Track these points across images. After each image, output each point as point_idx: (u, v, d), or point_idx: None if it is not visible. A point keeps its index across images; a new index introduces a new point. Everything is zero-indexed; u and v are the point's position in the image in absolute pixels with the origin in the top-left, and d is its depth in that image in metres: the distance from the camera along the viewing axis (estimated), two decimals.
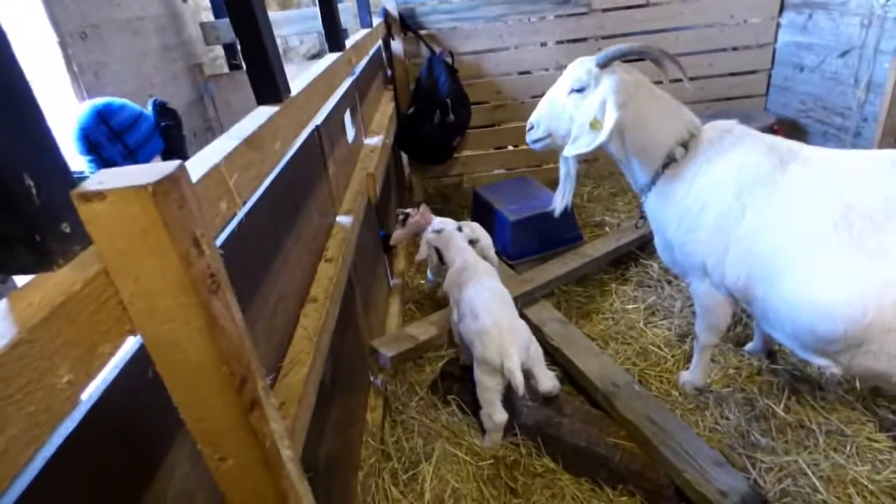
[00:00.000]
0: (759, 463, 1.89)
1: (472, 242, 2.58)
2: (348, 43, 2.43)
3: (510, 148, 4.40)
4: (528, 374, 1.96)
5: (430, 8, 3.88)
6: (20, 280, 0.55)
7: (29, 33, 2.76)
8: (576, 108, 2.01)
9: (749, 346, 2.37)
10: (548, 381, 2.02)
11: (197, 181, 0.76)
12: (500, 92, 4.14)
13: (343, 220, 1.92)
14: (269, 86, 1.26)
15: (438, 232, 2.56)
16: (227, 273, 0.66)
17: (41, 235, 0.51)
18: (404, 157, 4.40)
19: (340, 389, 1.74)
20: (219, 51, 4.52)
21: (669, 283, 2.87)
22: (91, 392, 0.63)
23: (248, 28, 1.16)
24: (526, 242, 3.15)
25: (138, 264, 0.55)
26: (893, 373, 1.52)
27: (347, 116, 2.33)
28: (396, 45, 3.92)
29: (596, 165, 4.23)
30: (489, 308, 2.04)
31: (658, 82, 2.01)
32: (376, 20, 3.64)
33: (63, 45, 2.85)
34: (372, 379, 2.27)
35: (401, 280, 3.08)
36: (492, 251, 2.71)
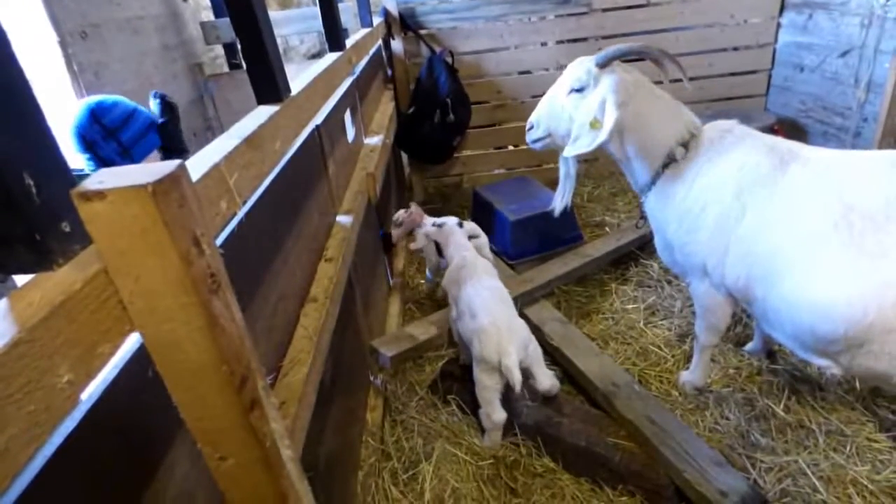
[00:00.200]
0: (758, 463, 1.89)
1: (471, 238, 2.58)
2: (348, 42, 2.43)
3: (510, 148, 4.40)
4: (526, 373, 1.96)
5: (431, 7, 3.87)
6: (20, 279, 0.55)
7: (29, 32, 2.76)
8: (575, 108, 2.01)
9: (749, 346, 2.37)
10: (546, 379, 2.02)
11: (197, 180, 0.76)
12: (500, 92, 4.14)
13: (343, 219, 1.92)
14: (269, 85, 1.26)
15: (439, 226, 2.56)
16: (227, 272, 0.66)
17: (41, 235, 0.51)
18: (404, 156, 4.40)
19: (340, 389, 1.74)
20: (219, 50, 4.52)
21: (669, 283, 2.87)
22: (91, 391, 0.63)
23: (249, 27, 1.16)
24: (526, 242, 3.15)
25: (138, 264, 0.55)
26: (894, 373, 1.52)
27: (347, 116, 2.33)
28: (396, 45, 3.92)
29: (596, 165, 4.23)
30: (488, 307, 2.04)
31: (658, 82, 2.01)
32: (376, 20, 3.64)
33: (63, 44, 2.85)
34: (372, 379, 2.27)
35: (401, 280, 3.08)
36: (487, 250, 2.71)
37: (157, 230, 0.54)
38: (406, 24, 3.85)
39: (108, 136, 1.79)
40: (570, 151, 2.01)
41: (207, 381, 0.62)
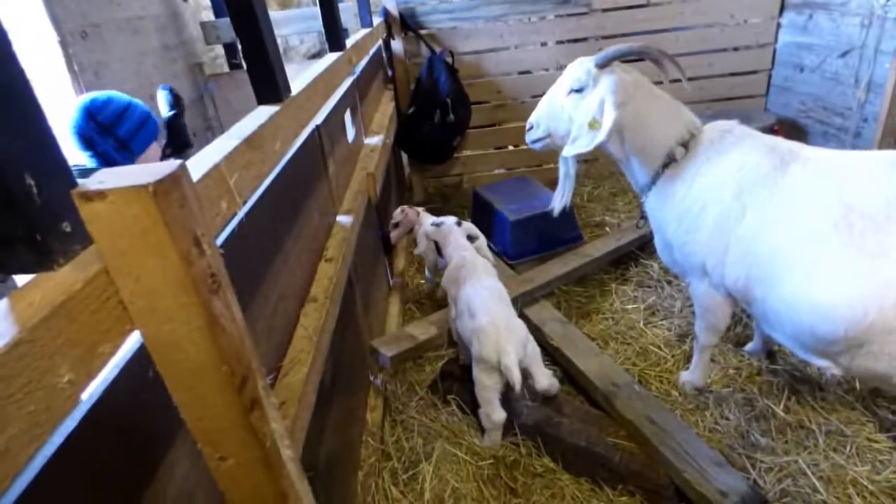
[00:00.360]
0: (758, 463, 1.89)
1: (471, 239, 2.58)
2: (349, 42, 2.43)
3: (510, 148, 4.40)
4: (525, 373, 1.96)
5: (431, 7, 3.88)
6: (21, 279, 0.55)
7: (29, 32, 2.76)
8: (575, 109, 2.01)
9: (749, 347, 2.38)
10: (545, 379, 2.02)
11: (197, 181, 0.76)
12: (500, 92, 4.14)
13: (343, 219, 1.92)
14: (269, 85, 1.26)
15: (438, 226, 2.57)
16: (227, 272, 0.66)
17: (42, 235, 0.51)
18: (404, 156, 4.40)
19: (340, 389, 1.74)
20: (219, 50, 4.52)
21: (669, 283, 2.88)
22: (91, 391, 0.63)
23: (249, 27, 1.16)
24: (526, 242, 3.15)
25: (139, 264, 0.55)
26: (894, 374, 1.52)
27: (347, 116, 2.33)
28: (397, 45, 3.92)
29: (596, 165, 4.24)
30: (486, 306, 2.04)
31: (658, 82, 2.01)
32: (376, 20, 3.64)
33: (63, 44, 2.85)
34: (372, 379, 2.27)
35: (401, 280, 3.08)
36: (486, 250, 2.72)
37: (157, 230, 0.54)
38: (406, 24, 3.85)
39: (104, 132, 1.79)
40: (569, 151, 2.01)
41: (207, 381, 0.62)
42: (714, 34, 3.99)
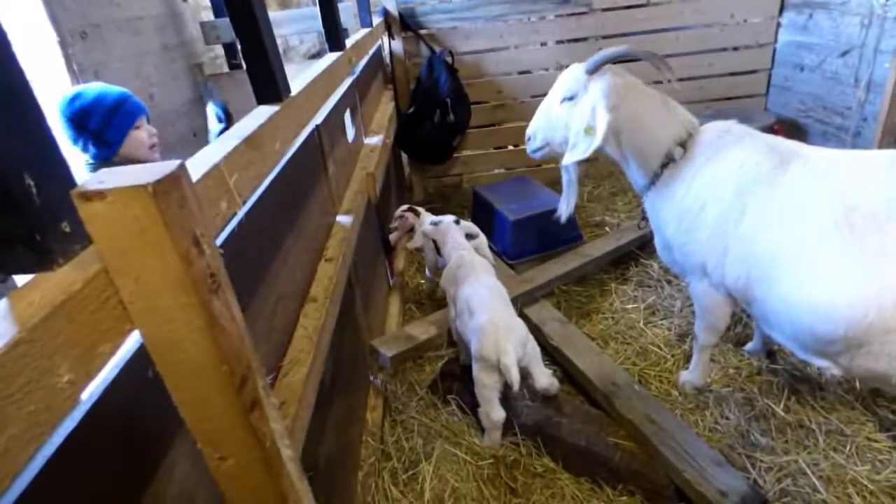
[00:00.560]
0: (758, 463, 1.89)
1: (470, 238, 2.58)
2: (348, 42, 2.43)
3: (510, 148, 4.40)
4: (524, 372, 1.96)
5: (430, 7, 3.87)
6: (20, 279, 0.55)
7: (29, 33, 2.76)
8: (569, 116, 2.04)
9: (749, 346, 2.37)
10: (544, 378, 2.02)
11: (197, 181, 0.76)
12: (500, 91, 4.14)
13: (343, 219, 1.92)
14: (269, 85, 1.26)
15: (436, 224, 2.57)
16: (227, 272, 0.66)
17: (41, 235, 0.51)
18: (404, 156, 4.40)
19: (340, 389, 1.74)
20: (219, 50, 4.51)
21: (669, 282, 2.87)
22: (91, 391, 0.63)
23: (248, 27, 1.16)
24: (526, 242, 3.15)
25: (138, 264, 0.55)
26: (894, 374, 1.52)
27: (347, 116, 2.33)
28: (396, 45, 3.92)
29: (596, 165, 4.23)
30: (486, 305, 2.04)
31: (658, 82, 2.01)
32: (376, 20, 3.64)
33: (63, 44, 2.84)
34: (372, 378, 2.27)
35: (401, 280, 3.08)
36: (486, 249, 2.72)
37: (157, 230, 0.54)
38: (406, 24, 3.84)
39: (78, 128, 1.80)
40: (568, 159, 2.02)
41: (207, 382, 0.62)
42: (714, 34, 3.99)
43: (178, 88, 3.82)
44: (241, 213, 1.07)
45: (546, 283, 2.79)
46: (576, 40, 4.05)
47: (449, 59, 3.84)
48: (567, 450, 1.95)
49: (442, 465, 1.97)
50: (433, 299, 3.01)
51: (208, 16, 4.38)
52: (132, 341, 0.64)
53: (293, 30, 4.30)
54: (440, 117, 3.73)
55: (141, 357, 0.69)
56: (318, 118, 1.76)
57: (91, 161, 1.86)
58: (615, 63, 1.97)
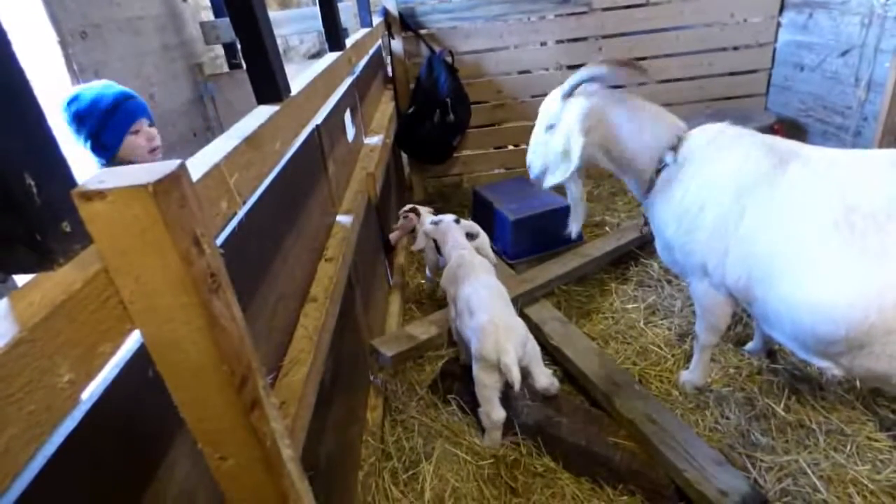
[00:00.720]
0: (759, 462, 1.89)
1: (471, 237, 2.58)
2: (348, 42, 2.43)
3: (510, 147, 4.40)
4: (524, 372, 1.96)
5: (430, 7, 3.87)
6: (21, 279, 0.55)
7: (29, 33, 2.76)
8: (551, 142, 2.10)
9: (749, 346, 2.37)
10: (544, 378, 2.02)
11: (197, 180, 0.76)
12: (500, 91, 4.14)
13: (343, 219, 1.92)
14: (269, 85, 1.26)
15: (436, 223, 2.57)
16: (227, 272, 0.66)
17: (42, 235, 0.51)
18: (404, 156, 4.40)
19: (340, 389, 1.74)
20: (219, 50, 4.51)
21: (669, 282, 2.87)
22: (91, 391, 0.63)
23: (248, 27, 1.16)
24: (526, 242, 3.15)
25: (139, 263, 0.55)
26: (894, 374, 1.52)
27: (347, 116, 2.33)
28: (396, 45, 3.92)
29: (596, 165, 4.23)
30: (486, 304, 2.04)
31: (643, 83, 2.03)
32: (376, 19, 3.64)
33: (63, 44, 2.84)
34: (372, 378, 2.27)
35: (401, 279, 3.08)
36: (488, 249, 2.72)
37: (157, 230, 0.54)
38: (406, 23, 3.84)
39: (77, 130, 1.80)
40: (548, 182, 2.13)
41: (207, 381, 0.62)
42: (714, 33, 3.99)
43: (178, 88, 3.82)
44: (241, 213, 1.07)
45: (546, 282, 2.79)
46: (576, 40, 4.05)
47: (449, 59, 3.84)
48: (567, 449, 1.95)
49: (442, 465, 1.97)
50: (433, 299, 3.00)
51: (208, 16, 4.39)
52: (132, 341, 0.64)
53: (293, 30, 4.30)
54: (440, 117, 3.73)
55: (141, 357, 0.69)
56: (318, 118, 1.76)
57: (103, 163, 1.85)
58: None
